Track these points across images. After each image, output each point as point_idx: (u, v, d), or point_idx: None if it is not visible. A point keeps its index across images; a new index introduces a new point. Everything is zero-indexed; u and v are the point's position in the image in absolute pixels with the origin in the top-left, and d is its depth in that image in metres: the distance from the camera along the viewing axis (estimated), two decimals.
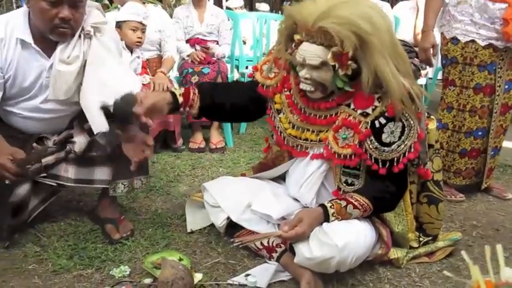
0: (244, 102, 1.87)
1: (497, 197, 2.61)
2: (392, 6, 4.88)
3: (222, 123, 3.44)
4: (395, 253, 1.79)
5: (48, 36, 1.77)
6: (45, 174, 1.89)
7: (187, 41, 3.63)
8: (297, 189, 1.84)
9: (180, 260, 1.73)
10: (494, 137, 2.51)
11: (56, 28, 1.75)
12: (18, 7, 5.49)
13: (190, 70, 3.42)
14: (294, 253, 1.65)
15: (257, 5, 8.39)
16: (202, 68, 3.43)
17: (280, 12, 11.00)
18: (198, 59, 3.47)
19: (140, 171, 1.96)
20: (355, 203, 1.62)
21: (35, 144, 1.92)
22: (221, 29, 3.73)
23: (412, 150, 1.63)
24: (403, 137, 1.61)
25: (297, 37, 1.63)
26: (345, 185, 1.73)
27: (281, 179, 2.01)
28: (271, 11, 8.85)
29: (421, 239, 1.89)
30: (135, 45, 3.01)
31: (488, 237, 2.12)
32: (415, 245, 1.87)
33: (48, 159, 1.88)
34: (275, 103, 1.84)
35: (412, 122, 1.61)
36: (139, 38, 3.00)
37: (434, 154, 1.88)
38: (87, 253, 1.84)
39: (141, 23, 2.99)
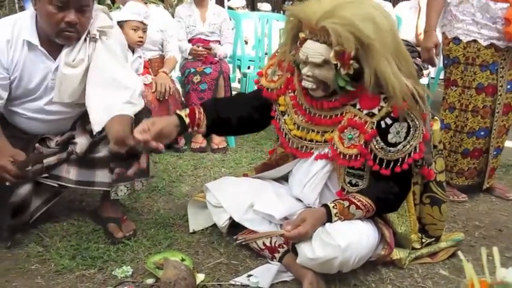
0: (250, 113, 1.87)
1: (500, 197, 2.61)
2: (394, 6, 4.88)
3: None
4: (397, 254, 1.79)
5: (54, 39, 1.79)
6: (46, 175, 1.89)
7: (189, 41, 3.63)
8: (300, 189, 1.84)
9: (183, 260, 1.73)
10: (496, 137, 2.50)
11: (62, 32, 1.76)
12: (20, 7, 5.50)
13: (193, 70, 3.42)
14: (296, 253, 1.65)
15: (259, 4, 8.39)
16: (204, 68, 3.43)
17: (282, 12, 11.01)
18: (198, 53, 3.46)
19: (141, 173, 1.96)
20: (358, 204, 1.62)
21: (37, 145, 1.93)
22: (223, 28, 3.73)
23: (417, 150, 1.63)
24: (408, 138, 1.61)
25: (301, 35, 1.64)
26: (349, 185, 1.73)
27: (283, 179, 2.00)
28: (273, 10, 8.84)
29: (423, 240, 1.89)
30: (137, 44, 3.02)
31: (491, 237, 2.12)
32: (418, 246, 1.86)
33: (50, 160, 1.89)
34: (279, 105, 1.84)
35: (417, 123, 1.61)
36: (140, 37, 3.00)
37: (438, 155, 1.87)
38: (89, 253, 1.84)
39: (142, 22, 3.00)
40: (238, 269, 1.78)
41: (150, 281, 1.67)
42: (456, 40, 2.40)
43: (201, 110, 1.79)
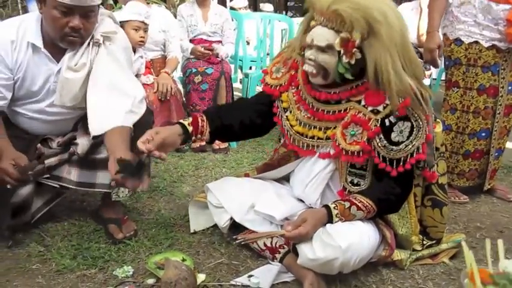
0: (253, 118, 1.88)
1: (501, 198, 2.60)
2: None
3: None
4: (398, 255, 1.79)
5: (58, 43, 1.80)
6: (48, 175, 1.90)
7: (191, 41, 3.64)
8: (302, 189, 1.84)
9: (183, 260, 1.73)
10: (497, 138, 2.50)
11: (66, 36, 1.77)
12: (23, 7, 5.52)
13: (194, 70, 3.43)
14: (297, 254, 1.65)
15: (261, 5, 8.39)
16: (205, 69, 3.44)
17: (284, 12, 11.03)
18: (201, 53, 3.47)
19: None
20: (359, 205, 1.62)
21: (39, 145, 1.93)
22: (225, 28, 3.73)
23: (420, 151, 1.63)
24: (411, 137, 1.62)
25: (312, 23, 1.66)
26: (350, 185, 1.73)
27: (285, 179, 2.01)
28: (275, 11, 8.85)
29: (424, 242, 1.88)
30: (138, 44, 3.02)
31: (492, 238, 2.07)
32: (419, 248, 1.86)
33: (51, 161, 1.89)
34: (282, 102, 1.85)
35: (421, 123, 1.62)
36: (141, 37, 3.00)
37: (440, 157, 1.87)
38: (90, 253, 1.84)
39: (143, 22, 3.00)
40: (239, 270, 1.79)
41: (151, 281, 1.67)
42: (458, 41, 2.40)
43: (204, 117, 1.80)
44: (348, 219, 1.62)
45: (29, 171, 1.74)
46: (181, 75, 3.61)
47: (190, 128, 1.76)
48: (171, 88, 3.10)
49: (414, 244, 1.85)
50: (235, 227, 1.86)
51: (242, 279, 1.69)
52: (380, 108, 1.63)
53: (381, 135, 1.63)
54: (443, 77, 4.56)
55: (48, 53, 1.83)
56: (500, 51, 2.35)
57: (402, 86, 1.56)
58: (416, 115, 1.61)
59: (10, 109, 1.90)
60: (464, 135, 2.47)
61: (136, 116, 1.86)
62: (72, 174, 1.93)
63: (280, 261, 1.75)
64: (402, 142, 1.62)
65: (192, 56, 3.57)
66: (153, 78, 3.14)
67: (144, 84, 3.04)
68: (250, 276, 1.69)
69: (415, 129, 1.61)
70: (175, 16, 3.69)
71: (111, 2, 4.73)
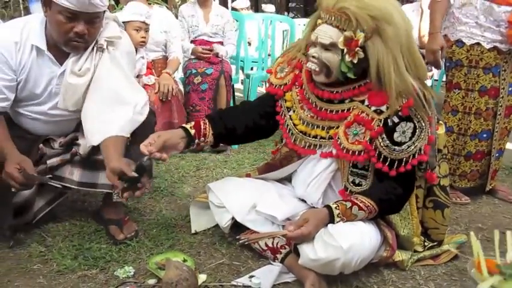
0: (256, 120, 1.88)
1: (503, 199, 2.60)
2: None
3: None
4: (400, 255, 1.78)
5: (62, 47, 1.80)
6: (50, 176, 1.90)
7: (192, 42, 3.64)
8: (304, 189, 1.84)
9: (184, 261, 1.73)
10: (498, 139, 2.50)
11: (70, 41, 1.77)
12: (25, 8, 5.52)
13: (194, 71, 3.44)
14: (298, 254, 1.65)
15: (263, 6, 8.40)
16: (205, 69, 3.44)
17: (286, 13, 11.03)
18: (201, 53, 3.47)
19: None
20: (361, 205, 1.62)
21: (41, 146, 1.94)
22: (226, 30, 3.74)
23: (422, 152, 1.63)
24: (413, 138, 1.62)
25: (318, 21, 1.67)
26: (352, 185, 1.73)
27: (286, 179, 2.01)
28: (277, 12, 8.86)
29: (426, 243, 1.88)
30: (139, 45, 3.02)
31: (494, 239, 2.10)
32: (420, 249, 1.86)
33: (53, 161, 1.90)
34: (286, 101, 1.85)
35: (423, 124, 1.62)
36: (143, 37, 3.00)
37: (442, 159, 1.87)
38: (91, 253, 1.84)
39: (144, 22, 3.00)
40: (240, 270, 1.78)
41: (152, 281, 1.67)
42: (459, 43, 2.40)
43: (206, 121, 1.82)
44: (350, 219, 1.61)
45: (34, 179, 1.74)
46: (183, 76, 3.61)
47: (192, 131, 1.77)
48: (173, 89, 3.10)
49: (416, 245, 1.84)
50: (237, 227, 1.86)
51: (243, 280, 1.69)
52: (383, 108, 1.63)
53: (384, 135, 1.63)
54: (444, 78, 4.56)
55: (52, 56, 1.83)
56: (501, 53, 2.35)
57: (404, 87, 1.56)
58: (419, 116, 1.61)
59: (13, 110, 1.90)
60: (466, 137, 2.47)
61: (136, 123, 1.87)
62: (74, 174, 1.94)
63: (282, 261, 1.75)
64: (405, 143, 1.62)
65: (192, 57, 3.57)
66: (154, 79, 3.15)
67: (145, 85, 3.05)
68: (252, 276, 1.69)
69: (417, 130, 1.61)
70: (176, 17, 3.69)
71: (113, 3, 4.73)
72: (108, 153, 1.74)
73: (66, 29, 1.73)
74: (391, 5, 1.58)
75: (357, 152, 1.66)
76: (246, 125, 1.87)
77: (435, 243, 1.90)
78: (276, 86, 1.88)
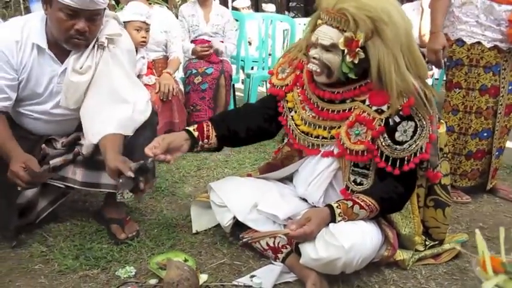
0: (259, 122, 1.89)
1: (504, 198, 2.60)
2: None
3: None
4: (401, 255, 1.79)
5: (63, 44, 1.80)
6: (46, 180, 1.89)
7: (192, 42, 3.64)
8: (305, 187, 1.84)
9: (186, 260, 1.73)
10: (498, 138, 2.50)
11: (71, 38, 1.77)
12: (26, 8, 5.52)
13: (194, 71, 3.44)
14: (299, 254, 1.65)
15: (263, 5, 8.40)
16: (205, 69, 3.45)
17: (287, 12, 11.03)
18: (201, 52, 3.47)
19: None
20: (362, 204, 1.62)
21: (43, 146, 1.94)
22: (226, 29, 3.74)
23: (423, 151, 1.63)
24: (415, 137, 1.62)
25: (318, 21, 1.67)
26: (353, 184, 1.73)
27: (287, 179, 2.01)
28: (277, 11, 8.86)
29: (427, 242, 1.88)
30: (140, 45, 3.02)
31: (495, 238, 2.10)
32: (421, 248, 1.86)
33: (56, 161, 1.89)
34: (287, 102, 1.86)
35: (424, 123, 1.62)
36: (143, 37, 3.01)
37: (443, 158, 1.87)
38: (93, 253, 1.84)
39: (144, 22, 3.00)
40: (241, 270, 1.79)
41: (153, 281, 1.67)
42: (459, 42, 2.39)
43: (209, 123, 1.83)
44: (351, 218, 1.62)
45: (40, 176, 1.74)
46: (183, 76, 3.61)
47: (196, 133, 1.78)
48: (173, 88, 3.10)
49: (417, 244, 1.84)
50: (238, 226, 1.86)
51: (244, 280, 1.69)
52: (384, 107, 1.63)
53: (385, 135, 1.63)
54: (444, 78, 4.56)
55: (52, 54, 1.83)
56: (501, 52, 2.35)
57: (405, 86, 1.56)
58: (420, 115, 1.62)
59: (14, 110, 1.90)
60: (467, 136, 2.47)
61: (136, 121, 1.87)
62: (77, 174, 1.94)
63: (283, 261, 1.75)
64: (406, 142, 1.62)
65: (193, 57, 3.57)
66: (155, 79, 3.15)
67: (146, 85, 3.04)
68: (253, 276, 1.69)
69: (418, 129, 1.62)
70: (177, 16, 3.69)
71: (113, 3, 4.73)
72: (106, 152, 1.74)
73: (67, 26, 1.73)
74: (391, 5, 1.58)
75: (359, 152, 1.66)
76: (248, 127, 1.87)
77: (436, 242, 1.90)
78: (277, 87, 1.88)
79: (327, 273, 1.63)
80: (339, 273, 1.62)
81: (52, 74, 1.85)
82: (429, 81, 4.65)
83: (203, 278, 1.68)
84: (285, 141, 1.94)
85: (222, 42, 3.70)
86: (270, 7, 7.99)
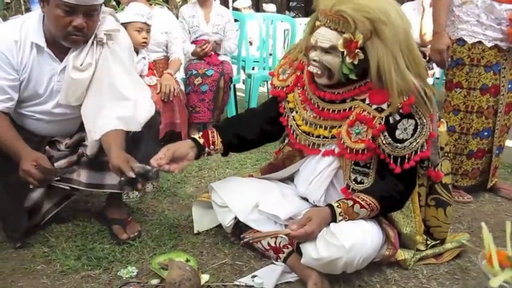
0: (262, 126, 1.90)
1: (506, 197, 2.60)
2: None
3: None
4: (402, 254, 1.79)
5: (61, 42, 1.80)
6: (58, 178, 1.90)
7: (193, 42, 3.64)
8: (306, 186, 1.85)
9: (187, 261, 1.74)
10: (498, 136, 2.51)
11: (69, 35, 1.77)
12: (27, 9, 5.53)
13: (194, 72, 3.44)
14: (300, 254, 1.65)
15: (264, 5, 8.40)
16: (206, 70, 3.45)
17: (288, 12, 11.03)
18: (201, 50, 3.48)
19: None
20: (362, 203, 1.62)
21: (47, 148, 1.94)
22: (227, 29, 3.74)
23: (424, 149, 1.63)
24: (415, 135, 1.62)
25: (317, 23, 1.68)
26: (354, 182, 1.74)
27: (289, 179, 2.01)
28: (277, 11, 8.86)
29: (428, 242, 1.88)
30: (141, 46, 3.03)
31: (497, 238, 2.09)
32: (423, 248, 1.86)
33: (60, 163, 1.90)
34: (288, 102, 1.86)
35: (424, 120, 1.62)
36: (144, 38, 3.01)
37: (444, 157, 1.87)
38: (94, 254, 1.85)
39: (145, 23, 3.00)
40: (243, 270, 1.79)
41: (155, 281, 1.68)
42: (460, 41, 2.39)
43: (214, 130, 1.85)
44: (352, 217, 1.62)
45: (51, 172, 1.75)
46: (184, 76, 3.61)
47: (201, 140, 1.79)
48: (174, 89, 3.11)
49: (418, 244, 1.84)
50: (239, 226, 1.86)
51: (246, 280, 1.69)
52: (384, 106, 1.64)
53: (386, 133, 1.63)
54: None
55: (51, 52, 1.83)
56: (501, 51, 2.35)
57: (405, 85, 1.57)
58: (420, 113, 1.62)
59: (15, 112, 1.90)
60: (468, 136, 2.46)
61: (137, 120, 1.88)
62: (81, 175, 1.94)
63: (284, 261, 1.75)
64: (406, 139, 1.62)
65: (193, 57, 3.58)
66: (156, 79, 3.15)
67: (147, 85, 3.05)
68: (254, 276, 1.70)
69: (419, 127, 1.62)
70: (177, 17, 3.69)
71: (114, 3, 4.74)
72: (109, 148, 1.75)
73: (65, 23, 1.73)
74: (389, 4, 1.58)
75: (360, 151, 1.67)
76: (252, 131, 1.89)
77: (438, 242, 1.90)
78: (278, 88, 1.89)
79: (328, 273, 1.63)
80: (340, 273, 1.63)
81: (52, 72, 1.86)
82: (430, 81, 4.65)
83: (205, 278, 1.69)
84: (286, 141, 1.95)
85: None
86: (271, 7, 7.99)
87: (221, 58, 3.64)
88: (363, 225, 1.63)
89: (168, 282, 1.53)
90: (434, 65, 4.10)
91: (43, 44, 1.81)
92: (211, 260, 1.85)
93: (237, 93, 4.15)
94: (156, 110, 2.01)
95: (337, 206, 1.62)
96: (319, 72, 1.67)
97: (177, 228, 2.11)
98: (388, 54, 1.55)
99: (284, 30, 5.21)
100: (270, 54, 4.62)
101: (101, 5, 1.83)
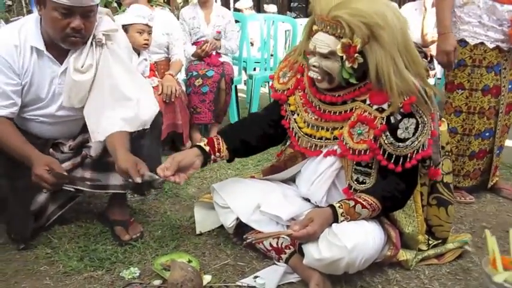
0: (266, 130, 1.91)
1: (507, 198, 2.60)
2: (399, 7, 4.87)
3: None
4: (404, 255, 1.79)
5: (60, 44, 1.80)
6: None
7: (194, 44, 3.65)
8: (308, 187, 1.85)
9: (189, 261, 1.74)
10: (499, 136, 2.51)
11: (67, 37, 1.77)
12: (28, 11, 5.53)
13: (195, 73, 3.45)
14: (302, 254, 1.65)
15: (265, 6, 8.40)
16: (206, 71, 3.46)
17: (289, 12, 11.03)
18: (202, 51, 3.49)
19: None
20: (364, 203, 1.62)
21: (51, 151, 1.94)
22: (227, 30, 3.74)
23: (425, 147, 1.64)
24: (416, 134, 1.62)
25: (314, 27, 1.68)
26: (356, 183, 1.74)
27: (290, 180, 2.01)
28: (278, 12, 8.86)
29: (430, 242, 1.88)
30: (142, 47, 3.03)
31: (499, 238, 2.06)
32: (424, 247, 1.86)
33: (65, 165, 1.90)
34: (290, 105, 1.87)
35: (425, 119, 1.63)
36: (146, 40, 3.02)
37: (445, 156, 1.88)
38: (97, 255, 1.85)
39: (147, 25, 3.01)
40: (245, 270, 1.79)
41: (157, 282, 1.68)
42: (462, 42, 2.39)
43: (218, 136, 1.85)
44: (354, 218, 1.62)
45: (66, 177, 1.75)
46: (185, 77, 3.62)
47: (207, 148, 1.79)
48: (176, 90, 3.11)
49: (420, 244, 1.85)
50: (241, 227, 1.86)
51: (248, 280, 1.70)
52: (385, 106, 1.64)
53: (387, 133, 1.64)
54: None
55: (51, 55, 1.84)
56: (502, 51, 2.36)
57: (405, 86, 1.57)
58: (420, 112, 1.62)
59: (18, 116, 1.89)
60: (470, 137, 2.46)
61: (141, 119, 1.88)
62: (85, 177, 1.94)
63: (286, 261, 1.75)
64: (408, 139, 1.63)
65: (193, 58, 3.58)
66: (157, 81, 3.15)
67: None
68: (256, 277, 1.70)
69: (420, 126, 1.62)
70: (178, 18, 3.70)
71: (115, 5, 4.75)
72: (115, 150, 1.76)
73: (63, 25, 1.74)
74: (385, 6, 1.58)
75: (362, 151, 1.67)
76: (256, 136, 1.89)
77: (439, 241, 1.90)
78: (279, 91, 1.89)
79: (330, 274, 1.63)
80: (342, 274, 1.63)
81: (52, 75, 1.86)
82: (431, 81, 4.64)
83: (207, 278, 1.69)
84: (288, 143, 1.95)
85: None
86: (272, 8, 8.00)
87: (222, 59, 3.64)
88: (365, 226, 1.64)
89: (170, 283, 1.53)
90: (435, 65, 4.10)
91: (42, 47, 1.82)
92: (213, 261, 1.85)
93: (238, 94, 4.15)
94: (158, 111, 2.01)
95: (339, 207, 1.62)
96: (319, 77, 1.68)
97: (179, 229, 2.11)
98: (387, 57, 1.55)
99: (285, 31, 5.22)
100: (271, 55, 4.62)
101: (97, 5, 1.83)
